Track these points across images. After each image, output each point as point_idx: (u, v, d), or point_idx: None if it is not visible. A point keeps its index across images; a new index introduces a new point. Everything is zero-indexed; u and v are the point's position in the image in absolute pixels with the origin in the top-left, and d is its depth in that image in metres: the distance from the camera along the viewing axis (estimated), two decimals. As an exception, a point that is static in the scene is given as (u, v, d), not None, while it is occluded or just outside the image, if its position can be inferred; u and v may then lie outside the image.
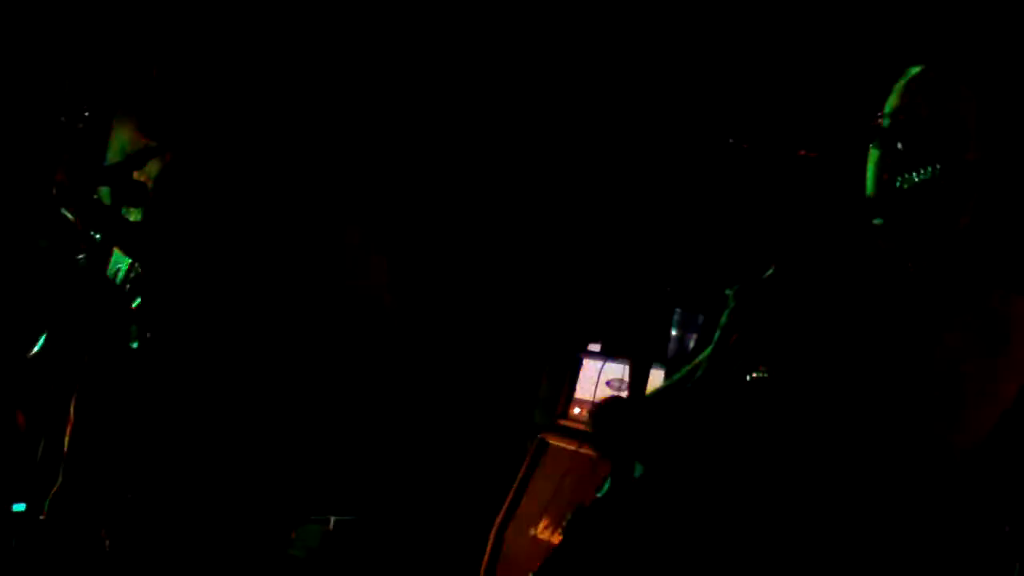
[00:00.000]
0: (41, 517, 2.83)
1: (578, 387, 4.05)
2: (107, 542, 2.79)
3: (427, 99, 4.07)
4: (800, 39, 3.74)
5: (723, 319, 1.85)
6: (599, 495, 2.01)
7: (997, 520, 2.75)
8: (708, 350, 1.90)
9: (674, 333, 3.83)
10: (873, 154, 1.94)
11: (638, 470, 1.94)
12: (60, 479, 2.77)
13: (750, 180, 3.82)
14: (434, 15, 3.97)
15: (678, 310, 3.84)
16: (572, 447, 3.80)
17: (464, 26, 3.96)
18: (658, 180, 4.23)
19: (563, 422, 4.02)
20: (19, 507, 3.32)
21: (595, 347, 4.04)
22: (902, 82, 1.96)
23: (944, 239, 1.91)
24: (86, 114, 2.59)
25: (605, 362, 3.88)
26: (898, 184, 1.81)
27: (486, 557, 3.87)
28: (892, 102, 1.94)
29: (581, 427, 3.88)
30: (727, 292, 1.86)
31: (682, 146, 4.16)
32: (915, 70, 1.96)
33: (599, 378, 3.87)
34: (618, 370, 3.84)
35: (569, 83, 4.23)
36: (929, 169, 1.77)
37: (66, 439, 2.78)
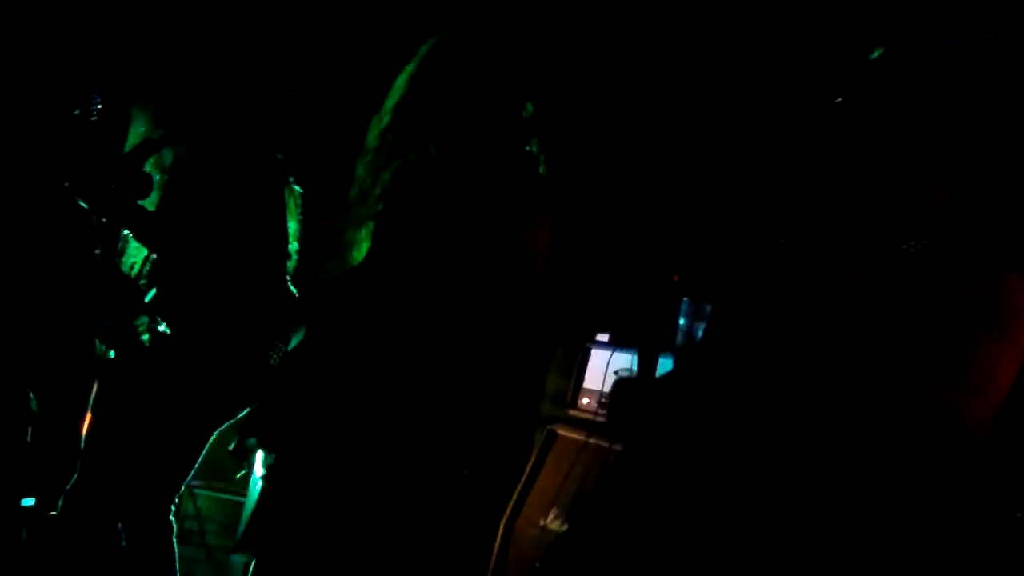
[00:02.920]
0: (53, 512, 2.81)
1: (586, 377, 4.05)
2: (123, 537, 2.77)
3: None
4: (793, 36, 3.75)
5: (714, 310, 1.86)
6: (602, 483, 2.00)
7: (1008, 507, 2.77)
8: (701, 343, 1.90)
9: (682, 323, 3.83)
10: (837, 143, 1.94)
11: (640, 457, 1.94)
12: (76, 474, 2.75)
13: (757, 168, 3.82)
14: (443, 13, 3.95)
15: (686, 300, 3.83)
16: (581, 437, 3.79)
17: (473, 18, 3.94)
18: (665, 169, 4.22)
19: (572, 412, 4.02)
20: (28, 502, 3.30)
21: (603, 337, 4.04)
22: (859, 67, 1.95)
23: (932, 219, 1.91)
24: (99, 106, 2.57)
25: (613, 352, 3.87)
26: (863, 169, 1.83)
27: (496, 548, 3.87)
28: (851, 91, 1.94)
29: (589, 417, 3.88)
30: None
31: (690, 135, 4.16)
32: (874, 55, 1.95)
33: (607, 368, 3.86)
34: (626, 360, 3.83)
35: (576, 71, 4.22)
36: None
37: (83, 434, 2.76)
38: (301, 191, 2.94)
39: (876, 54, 1.95)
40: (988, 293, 1.81)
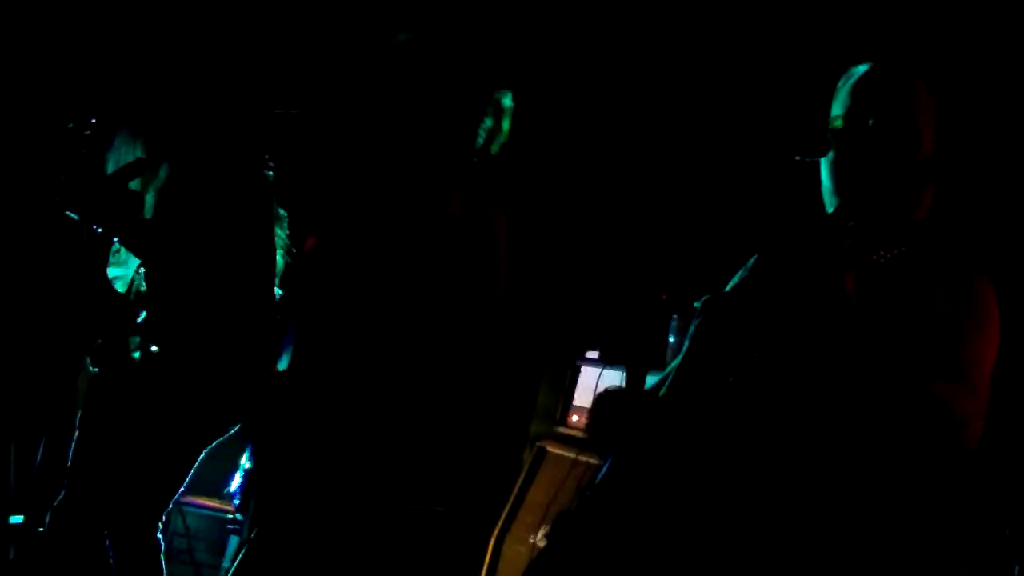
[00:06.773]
0: (40, 529, 2.79)
1: (576, 394, 4.06)
2: (111, 554, 2.76)
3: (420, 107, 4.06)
4: (784, 46, 3.77)
5: (691, 329, 1.86)
6: (583, 498, 2.00)
7: (997, 522, 2.78)
8: (678, 360, 1.91)
9: (672, 340, 3.84)
10: (827, 156, 1.95)
11: (617, 471, 1.94)
12: (64, 491, 2.74)
13: (745, 187, 3.84)
14: (437, 20, 3.96)
15: (675, 317, 3.85)
16: (570, 454, 3.80)
17: (466, 29, 3.96)
18: (655, 188, 4.24)
19: (561, 430, 4.02)
20: (16, 519, 3.28)
21: (593, 354, 4.05)
22: (849, 82, 1.97)
23: (908, 230, 1.93)
24: (93, 120, 2.57)
25: (603, 369, 3.88)
26: (853, 184, 1.85)
27: (485, 564, 3.86)
28: (842, 103, 1.96)
29: (579, 434, 3.88)
30: (695, 304, 1.86)
31: (678, 154, 4.18)
32: (861, 68, 1.97)
33: (597, 385, 3.87)
34: (616, 377, 3.84)
35: (565, 91, 4.24)
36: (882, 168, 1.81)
37: (70, 450, 2.75)
38: (285, 214, 2.95)
39: (861, 68, 1.97)
40: (962, 294, 1.83)
